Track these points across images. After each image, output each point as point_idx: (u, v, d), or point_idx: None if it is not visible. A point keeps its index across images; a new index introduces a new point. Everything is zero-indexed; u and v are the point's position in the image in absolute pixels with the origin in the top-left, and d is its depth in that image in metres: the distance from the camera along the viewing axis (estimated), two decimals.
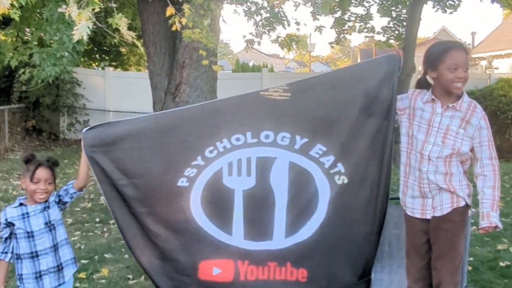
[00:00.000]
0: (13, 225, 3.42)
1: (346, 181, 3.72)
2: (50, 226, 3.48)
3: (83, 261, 5.42)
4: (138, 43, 4.00)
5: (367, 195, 3.72)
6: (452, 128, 3.25)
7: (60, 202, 3.55)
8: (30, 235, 3.42)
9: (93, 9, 3.54)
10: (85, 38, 3.60)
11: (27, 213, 3.44)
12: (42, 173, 3.43)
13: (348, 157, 3.72)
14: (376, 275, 3.81)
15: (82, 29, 3.48)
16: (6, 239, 3.46)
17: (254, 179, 3.79)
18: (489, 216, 3.17)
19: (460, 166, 3.31)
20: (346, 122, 3.69)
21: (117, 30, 3.91)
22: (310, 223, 3.77)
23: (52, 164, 3.53)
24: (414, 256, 3.45)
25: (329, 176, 3.74)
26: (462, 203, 3.28)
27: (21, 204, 3.47)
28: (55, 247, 3.50)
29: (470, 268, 5.05)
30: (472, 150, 3.31)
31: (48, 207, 3.50)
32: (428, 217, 3.34)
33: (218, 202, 3.81)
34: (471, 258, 5.32)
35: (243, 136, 3.73)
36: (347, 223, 3.78)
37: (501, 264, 5.23)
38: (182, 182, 3.75)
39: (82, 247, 5.97)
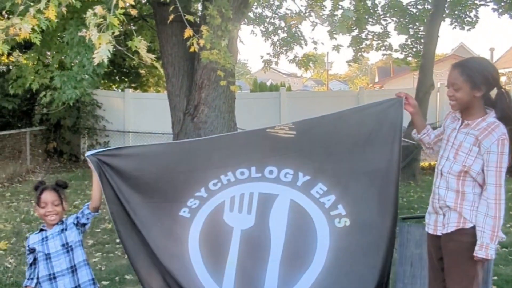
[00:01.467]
0: (35, 251, 3.52)
1: (348, 223, 3.61)
2: (67, 248, 3.55)
3: (103, 282, 5.44)
4: (157, 65, 4.04)
5: (370, 239, 3.59)
6: (465, 145, 3.18)
7: (78, 224, 3.63)
8: (47, 257, 3.51)
9: (113, 33, 3.59)
10: (106, 61, 3.64)
11: (46, 237, 3.56)
12: (47, 196, 3.57)
13: (349, 198, 3.67)
14: None
15: (102, 52, 3.52)
16: (31, 265, 3.57)
17: (253, 218, 3.74)
18: (488, 248, 3.05)
19: (477, 187, 3.18)
20: (348, 162, 3.70)
21: (136, 52, 3.96)
22: (306, 276, 3.61)
23: (58, 186, 3.61)
24: (431, 271, 3.42)
25: (330, 219, 3.64)
26: (469, 225, 3.15)
27: (41, 230, 3.60)
28: (73, 269, 3.55)
29: (494, 287, 4.97)
30: None
31: (66, 229, 3.59)
32: (439, 233, 3.29)
33: (216, 241, 3.74)
34: (495, 277, 5.24)
35: (248, 170, 3.76)
36: (346, 273, 3.58)
37: None
38: (184, 212, 3.75)
39: (103, 268, 5.99)
